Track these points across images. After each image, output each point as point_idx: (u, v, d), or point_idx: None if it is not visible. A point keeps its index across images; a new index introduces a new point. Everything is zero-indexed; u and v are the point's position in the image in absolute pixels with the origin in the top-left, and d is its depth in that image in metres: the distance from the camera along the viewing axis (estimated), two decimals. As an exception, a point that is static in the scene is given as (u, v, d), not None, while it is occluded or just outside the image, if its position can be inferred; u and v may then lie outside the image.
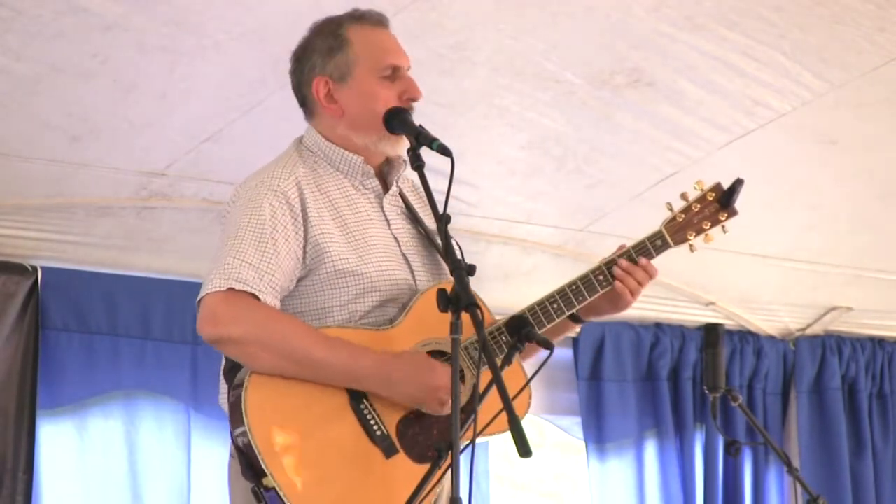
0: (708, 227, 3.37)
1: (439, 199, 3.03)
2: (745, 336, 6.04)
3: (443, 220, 2.87)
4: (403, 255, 3.21)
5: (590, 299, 3.29)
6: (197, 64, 4.02)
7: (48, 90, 4.00)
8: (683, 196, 3.39)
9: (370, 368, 3.03)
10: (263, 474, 2.94)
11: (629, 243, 3.37)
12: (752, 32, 4.25)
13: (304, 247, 3.12)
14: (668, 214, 3.38)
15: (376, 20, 3.30)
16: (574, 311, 3.27)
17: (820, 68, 4.42)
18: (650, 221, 5.19)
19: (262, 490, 2.96)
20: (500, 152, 4.71)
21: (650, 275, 3.32)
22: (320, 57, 3.27)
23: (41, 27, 3.74)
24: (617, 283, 3.30)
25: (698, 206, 3.38)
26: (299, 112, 4.30)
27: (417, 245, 3.27)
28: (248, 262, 3.04)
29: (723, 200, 3.38)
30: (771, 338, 6.11)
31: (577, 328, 3.46)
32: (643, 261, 3.32)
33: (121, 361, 4.75)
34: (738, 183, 3.37)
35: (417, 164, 3.02)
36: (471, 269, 2.80)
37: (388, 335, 3.10)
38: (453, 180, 2.96)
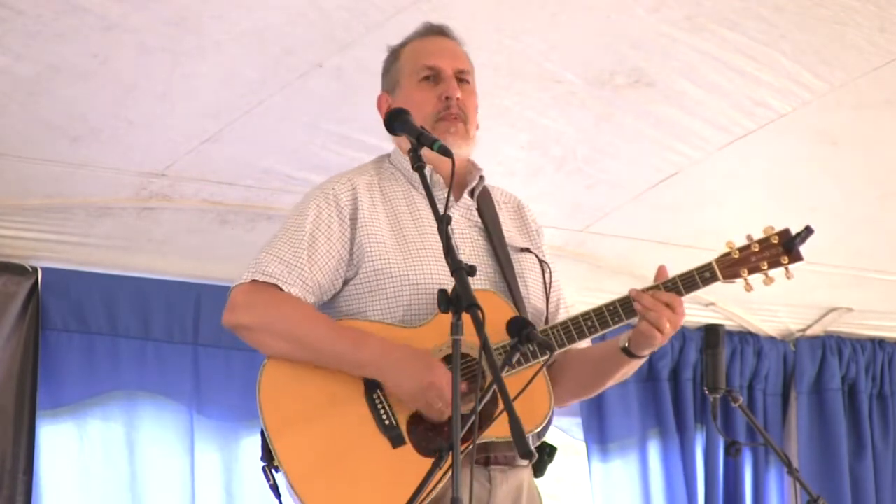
0: (765, 268, 3.27)
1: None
2: (746, 337, 6.04)
3: (443, 220, 2.88)
4: None
5: (601, 331, 3.22)
6: (197, 64, 4.02)
7: (48, 90, 4.00)
8: (748, 237, 3.30)
9: (372, 356, 3.08)
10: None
11: (676, 271, 3.26)
12: (752, 33, 4.24)
13: (351, 248, 3.19)
14: (725, 250, 3.29)
15: (427, 30, 3.43)
16: (584, 340, 3.22)
17: (820, 68, 4.42)
18: (650, 221, 5.23)
19: (272, 469, 3.04)
20: (500, 152, 4.70)
21: (667, 304, 3.17)
22: (382, 76, 3.44)
23: (41, 27, 3.74)
24: (641, 321, 3.19)
25: (758, 246, 3.28)
26: (299, 112, 4.33)
27: (483, 255, 3.30)
28: (278, 257, 3.15)
29: (787, 245, 3.28)
30: (771, 338, 6.11)
31: (637, 363, 3.32)
32: (649, 296, 3.19)
33: (121, 361, 4.75)
34: (808, 231, 3.27)
35: (418, 165, 3.02)
36: (471, 270, 2.80)
37: (412, 334, 3.15)
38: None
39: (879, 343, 6.28)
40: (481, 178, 3.38)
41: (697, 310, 5.84)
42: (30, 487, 4.51)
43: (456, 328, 2.67)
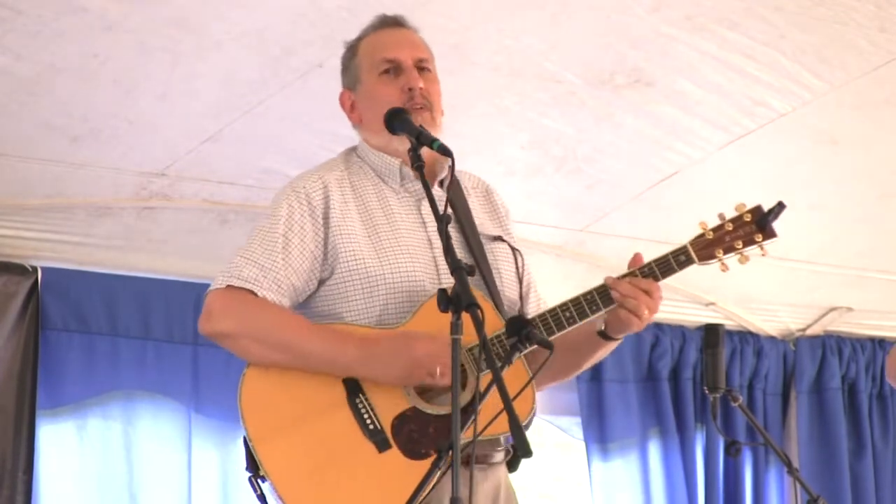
0: (740, 247, 3.21)
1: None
2: (746, 336, 6.04)
3: (443, 220, 2.87)
4: (434, 258, 3.20)
5: (580, 322, 3.17)
6: (197, 64, 4.02)
7: (48, 90, 4.00)
8: (720, 216, 3.25)
9: (355, 353, 3.06)
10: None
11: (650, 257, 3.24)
12: (752, 33, 4.25)
13: (325, 248, 3.16)
14: (699, 231, 3.24)
15: (382, 22, 3.37)
16: (565, 331, 3.19)
17: (820, 68, 4.42)
18: (650, 221, 5.23)
19: (258, 479, 3.03)
20: (500, 152, 4.70)
21: (645, 291, 3.14)
22: (342, 72, 3.40)
23: (41, 27, 3.74)
24: (619, 308, 3.16)
25: (732, 225, 3.23)
26: (299, 112, 4.33)
27: (456, 248, 3.24)
28: (252, 260, 3.12)
29: (761, 222, 3.23)
30: (771, 338, 6.11)
31: (613, 345, 3.29)
32: (627, 283, 3.17)
33: (121, 361, 4.75)
34: (780, 206, 3.22)
35: (417, 165, 3.01)
36: (471, 270, 2.79)
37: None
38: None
39: (879, 343, 6.28)
40: (450, 167, 3.35)
41: (697, 309, 5.84)
42: (30, 487, 4.52)
43: (456, 327, 2.66)
